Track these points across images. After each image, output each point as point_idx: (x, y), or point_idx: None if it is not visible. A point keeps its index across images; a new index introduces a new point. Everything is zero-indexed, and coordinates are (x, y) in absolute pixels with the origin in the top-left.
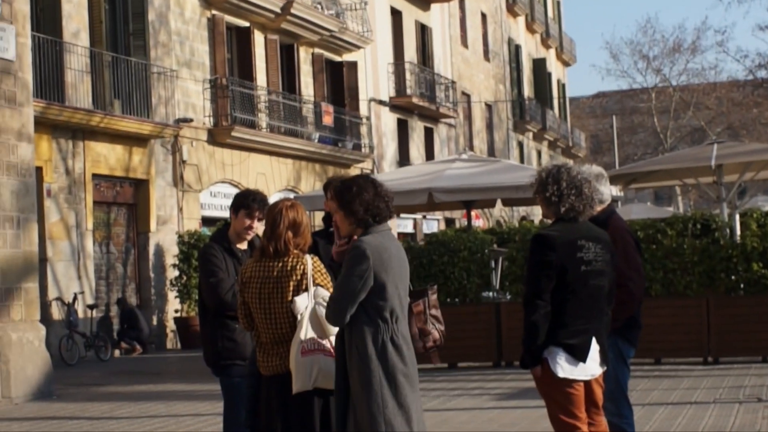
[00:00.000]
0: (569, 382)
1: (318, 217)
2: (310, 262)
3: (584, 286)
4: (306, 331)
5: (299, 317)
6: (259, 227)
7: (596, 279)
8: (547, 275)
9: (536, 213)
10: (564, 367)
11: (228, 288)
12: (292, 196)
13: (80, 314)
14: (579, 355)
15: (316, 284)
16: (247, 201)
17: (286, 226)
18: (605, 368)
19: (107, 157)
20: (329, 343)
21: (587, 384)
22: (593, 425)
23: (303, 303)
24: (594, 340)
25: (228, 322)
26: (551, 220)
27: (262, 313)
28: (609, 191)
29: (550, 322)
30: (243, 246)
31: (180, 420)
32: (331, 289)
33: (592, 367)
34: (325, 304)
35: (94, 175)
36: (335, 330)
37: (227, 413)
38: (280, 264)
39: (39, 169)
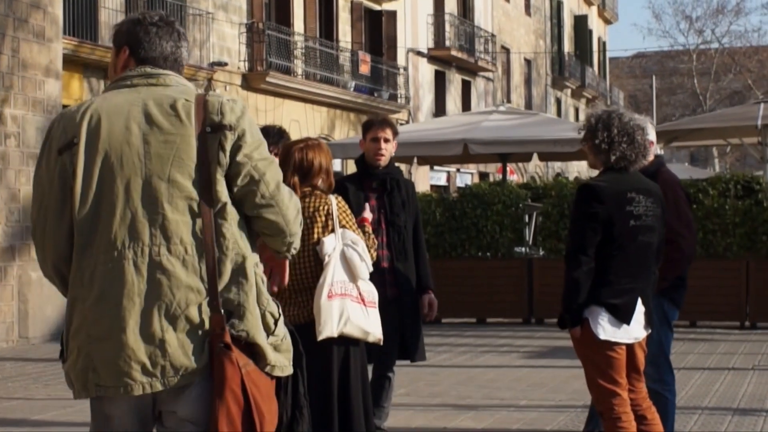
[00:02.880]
0: (611, 345)
1: (351, 166)
2: (334, 202)
3: (632, 242)
4: (333, 274)
5: (327, 259)
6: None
7: (645, 235)
8: (592, 229)
9: (571, 170)
10: (606, 329)
11: None
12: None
13: None
14: (623, 316)
15: (341, 226)
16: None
17: (292, 168)
18: (649, 331)
19: None
20: (357, 288)
21: (629, 348)
22: (633, 392)
23: (331, 244)
24: (639, 300)
25: None
26: (599, 169)
27: None
28: (655, 142)
29: (593, 280)
30: None
31: None
32: (357, 232)
33: (636, 330)
34: (353, 246)
35: None
36: (366, 274)
37: None
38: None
39: None
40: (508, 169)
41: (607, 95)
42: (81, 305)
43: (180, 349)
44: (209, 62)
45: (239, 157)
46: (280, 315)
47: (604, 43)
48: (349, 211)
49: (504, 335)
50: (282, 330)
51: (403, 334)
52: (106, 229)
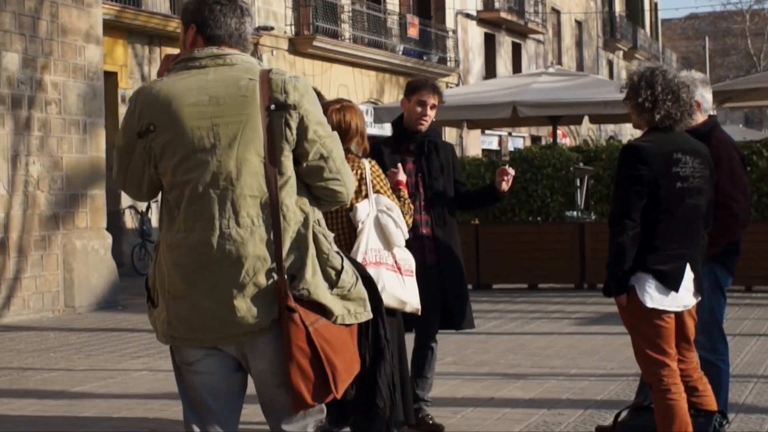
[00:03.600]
0: (658, 314)
1: None
2: (367, 166)
3: (679, 206)
4: (368, 241)
5: (360, 226)
6: None
7: (693, 197)
8: (637, 192)
9: (624, 132)
10: (653, 297)
11: None
12: (372, 108)
13: (154, 223)
14: (671, 283)
15: (375, 191)
16: None
17: None
18: (699, 299)
19: None
20: (392, 256)
21: (678, 316)
22: (684, 362)
23: (364, 210)
24: (688, 266)
25: None
26: (643, 130)
27: None
28: (711, 99)
29: (639, 245)
30: None
31: None
32: (392, 197)
33: (684, 297)
34: (388, 212)
35: None
36: (402, 241)
37: None
38: None
39: (114, 75)
40: (560, 132)
41: (659, 57)
42: (166, 265)
43: (248, 312)
44: (255, 26)
45: (309, 135)
46: (342, 267)
47: (656, 4)
48: (383, 176)
49: (555, 301)
50: (349, 279)
51: (446, 302)
52: (186, 205)
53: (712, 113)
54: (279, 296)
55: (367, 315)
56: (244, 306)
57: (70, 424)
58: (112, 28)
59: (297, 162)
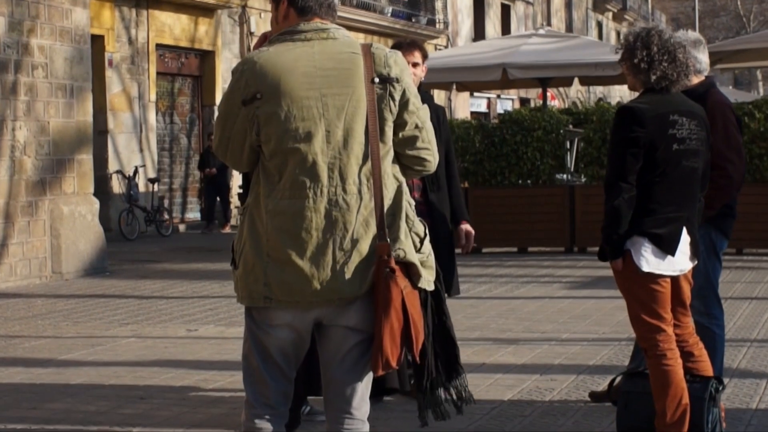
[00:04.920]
0: (654, 278)
1: None
2: None
3: (676, 168)
4: None
5: None
6: None
7: (689, 160)
8: (632, 154)
9: (613, 95)
10: (649, 261)
11: None
12: None
13: (141, 188)
14: (667, 247)
15: None
16: None
17: None
18: (696, 263)
19: (172, 26)
20: None
21: (675, 280)
22: (679, 327)
23: None
24: (685, 230)
25: None
26: (639, 91)
27: None
28: (707, 60)
29: (635, 209)
30: None
31: (232, 300)
32: None
33: (681, 261)
34: None
35: (158, 45)
36: None
37: None
38: None
39: (100, 38)
40: (548, 94)
41: (649, 18)
42: (262, 230)
43: (349, 277)
44: None
45: (410, 108)
46: (425, 234)
47: None
48: None
49: (545, 265)
50: (427, 248)
51: (439, 267)
52: (292, 172)
53: (709, 74)
54: (380, 258)
55: (432, 285)
56: (346, 271)
57: (58, 392)
58: None
59: (394, 132)
